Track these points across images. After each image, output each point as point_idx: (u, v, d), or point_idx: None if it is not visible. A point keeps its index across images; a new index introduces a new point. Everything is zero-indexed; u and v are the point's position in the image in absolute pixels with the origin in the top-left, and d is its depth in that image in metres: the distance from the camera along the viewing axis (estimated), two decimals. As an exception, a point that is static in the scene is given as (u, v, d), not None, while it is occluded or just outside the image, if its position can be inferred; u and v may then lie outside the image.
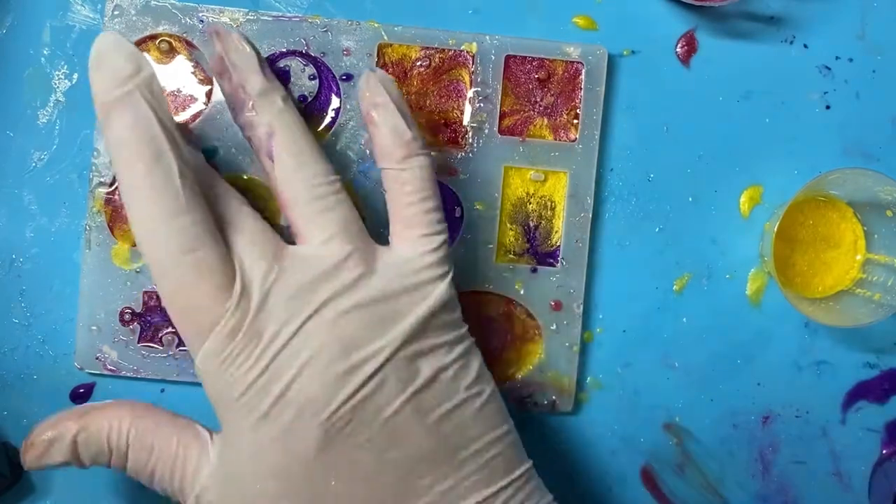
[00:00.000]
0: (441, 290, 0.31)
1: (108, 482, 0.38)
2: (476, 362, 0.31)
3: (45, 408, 0.38)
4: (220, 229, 0.29)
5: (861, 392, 0.40)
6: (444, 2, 0.38)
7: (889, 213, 0.38)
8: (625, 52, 0.39)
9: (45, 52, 0.38)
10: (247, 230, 0.30)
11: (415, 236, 0.31)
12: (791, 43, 0.39)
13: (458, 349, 0.31)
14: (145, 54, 0.30)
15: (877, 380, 0.40)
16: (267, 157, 0.31)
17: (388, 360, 0.29)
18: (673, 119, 0.39)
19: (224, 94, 0.33)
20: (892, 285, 0.37)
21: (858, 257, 0.39)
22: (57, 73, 0.38)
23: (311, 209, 0.31)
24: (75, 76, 0.38)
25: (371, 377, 0.29)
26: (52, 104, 0.38)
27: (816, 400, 0.40)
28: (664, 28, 0.39)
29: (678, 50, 0.39)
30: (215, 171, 0.32)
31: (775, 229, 0.36)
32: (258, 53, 0.32)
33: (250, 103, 0.31)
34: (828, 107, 0.39)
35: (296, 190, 0.31)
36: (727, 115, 0.39)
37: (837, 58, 0.39)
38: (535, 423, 0.39)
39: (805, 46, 0.39)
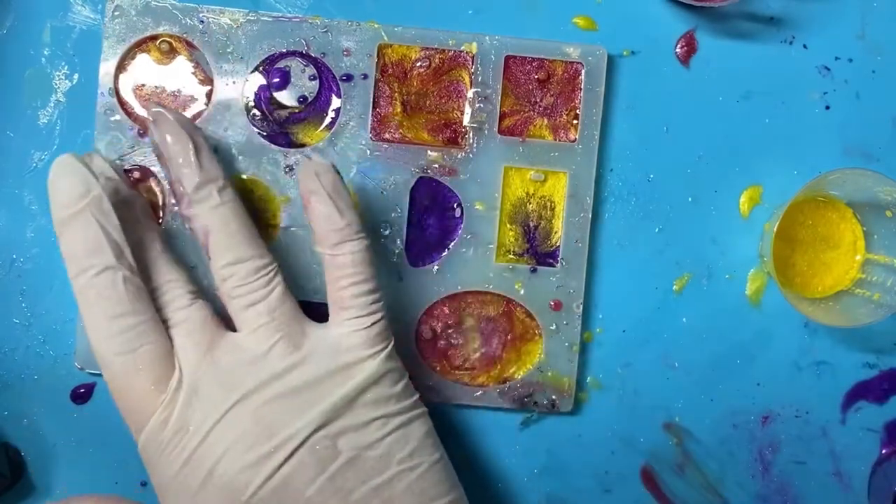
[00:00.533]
0: (370, 367, 0.31)
1: (108, 482, 0.38)
2: (419, 433, 0.32)
3: (45, 408, 0.38)
4: (164, 320, 0.31)
5: (860, 392, 0.40)
6: (445, 2, 0.38)
7: (889, 213, 0.38)
8: (625, 53, 0.39)
9: (45, 52, 0.38)
10: (188, 321, 0.32)
11: (346, 318, 0.32)
12: (791, 43, 0.39)
13: (395, 422, 0.31)
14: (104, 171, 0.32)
15: (876, 380, 0.40)
16: (205, 254, 0.33)
17: (303, 442, 0.30)
18: (673, 119, 0.39)
19: (167, 180, 0.33)
20: (892, 285, 0.37)
21: (858, 257, 0.39)
22: (57, 73, 0.38)
23: (242, 302, 0.32)
24: (76, 76, 0.38)
25: (287, 460, 0.30)
26: (52, 104, 0.38)
27: (816, 400, 0.40)
28: (664, 28, 0.39)
29: (678, 50, 0.39)
30: (169, 260, 0.33)
31: (775, 229, 0.36)
32: (195, 139, 0.32)
33: (187, 199, 0.32)
34: (828, 107, 0.39)
35: (229, 286, 0.32)
36: (727, 115, 0.39)
37: (837, 58, 0.39)
38: (535, 424, 0.39)
39: (805, 47, 0.39)
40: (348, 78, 0.37)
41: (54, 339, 0.38)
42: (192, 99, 0.38)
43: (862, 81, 0.39)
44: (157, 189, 0.37)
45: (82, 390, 0.38)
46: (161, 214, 0.37)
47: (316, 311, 0.38)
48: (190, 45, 0.37)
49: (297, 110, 0.38)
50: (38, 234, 0.38)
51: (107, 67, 0.37)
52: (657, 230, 0.39)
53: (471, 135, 0.38)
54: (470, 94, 0.38)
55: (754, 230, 0.39)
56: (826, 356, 0.40)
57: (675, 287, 0.39)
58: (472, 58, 0.38)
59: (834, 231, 0.39)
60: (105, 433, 0.38)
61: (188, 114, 0.37)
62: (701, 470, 0.40)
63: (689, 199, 0.39)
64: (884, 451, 0.40)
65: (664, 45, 0.39)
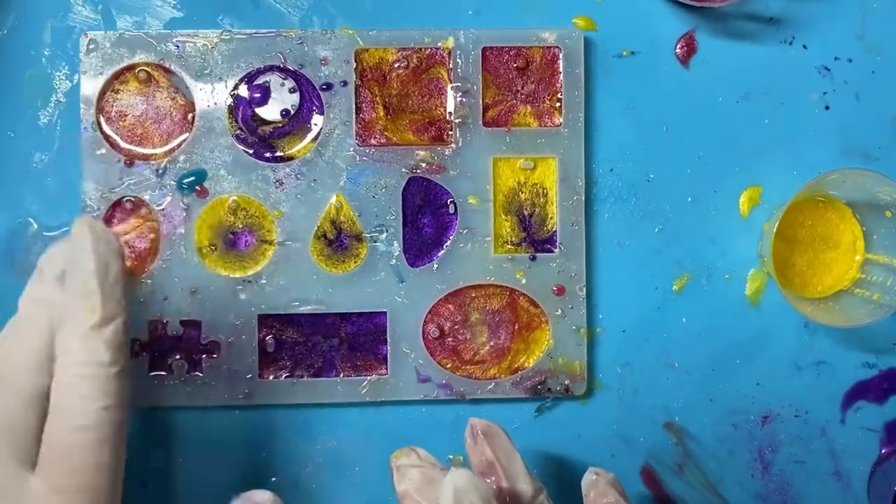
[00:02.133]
0: None
1: (109, 482, 0.38)
2: None
3: (46, 408, 0.38)
4: None
5: (860, 392, 0.40)
6: (444, 3, 0.38)
7: (888, 213, 0.38)
8: (624, 53, 0.39)
9: (45, 52, 0.38)
10: None
11: None
12: (790, 43, 0.39)
13: None
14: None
15: (876, 380, 0.40)
16: None
17: None
18: (672, 119, 0.39)
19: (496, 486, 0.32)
20: (891, 285, 0.37)
21: (857, 257, 0.39)
22: (58, 73, 0.38)
23: None
24: (76, 77, 0.38)
25: None
26: (52, 105, 0.38)
27: (816, 400, 0.40)
28: (664, 28, 0.39)
29: (678, 50, 0.39)
30: None
31: (774, 230, 0.36)
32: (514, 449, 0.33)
33: None
34: (827, 107, 0.39)
35: None
36: (726, 116, 0.39)
37: (837, 58, 0.39)
38: (534, 423, 0.39)
39: (804, 47, 0.39)
40: (328, 87, 0.38)
41: (55, 339, 0.38)
42: (176, 124, 0.38)
43: (862, 81, 0.39)
44: (151, 217, 0.37)
45: (83, 390, 0.38)
46: (159, 244, 0.37)
47: (316, 324, 0.38)
48: (167, 70, 0.37)
49: (280, 124, 0.38)
50: (38, 235, 0.38)
51: (87, 102, 0.37)
52: (657, 230, 0.39)
53: (456, 130, 0.38)
54: (451, 89, 0.38)
55: (754, 230, 0.39)
56: (826, 356, 0.40)
57: (674, 287, 0.39)
58: (450, 53, 0.38)
59: (833, 231, 0.39)
60: (105, 433, 0.38)
61: (174, 142, 0.37)
62: (701, 469, 0.40)
63: (689, 199, 0.39)
64: (883, 451, 0.40)
65: (664, 45, 0.39)
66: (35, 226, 0.38)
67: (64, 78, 0.38)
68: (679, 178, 0.39)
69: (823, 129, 0.39)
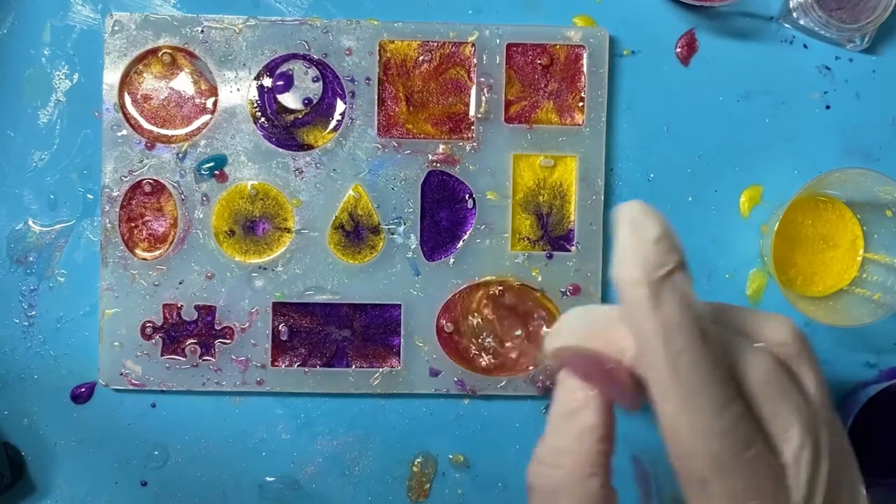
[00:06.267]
0: None
1: (108, 482, 0.38)
2: None
3: (45, 408, 0.38)
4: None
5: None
6: (445, 2, 0.38)
7: (888, 213, 0.38)
8: (625, 52, 0.39)
9: (45, 52, 0.38)
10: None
11: None
12: (791, 43, 0.39)
13: None
14: None
15: (876, 380, 0.40)
16: None
17: None
18: (673, 119, 0.39)
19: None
20: (892, 285, 0.37)
21: (858, 257, 0.39)
22: (57, 73, 0.38)
23: None
24: (76, 76, 0.38)
25: None
26: (52, 104, 0.38)
27: (816, 400, 0.40)
28: (664, 28, 0.39)
29: (678, 50, 0.39)
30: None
31: (775, 229, 0.36)
32: None
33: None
34: (828, 107, 0.39)
35: None
36: (727, 115, 0.39)
37: (837, 58, 0.39)
38: (533, 423, 0.39)
39: (805, 46, 0.39)
40: (352, 78, 0.38)
41: (54, 339, 0.38)
42: (198, 108, 0.38)
43: (862, 81, 0.39)
44: (171, 200, 0.37)
45: (82, 390, 0.38)
46: (176, 225, 0.37)
47: (330, 314, 0.38)
48: (191, 55, 0.37)
49: (302, 113, 0.38)
50: (38, 233, 0.38)
51: (110, 83, 0.37)
52: (657, 230, 0.39)
53: (477, 125, 0.38)
54: (474, 85, 0.38)
55: (754, 230, 0.39)
56: (826, 356, 0.40)
57: (675, 287, 0.39)
58: (474, 49, 0.38)
59: (834, 231, 0.39)
60: (105, 433, 0.38)
61: (195, 124, 0.38)
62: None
63: (689, 199, 0.39)
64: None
65: (664, 45, 0.39)
66: (35, 225, 0.38)
67: (63, 77, 0.38)
68: (679, 178, 0.39)
69: (824, 129, 0.39)
